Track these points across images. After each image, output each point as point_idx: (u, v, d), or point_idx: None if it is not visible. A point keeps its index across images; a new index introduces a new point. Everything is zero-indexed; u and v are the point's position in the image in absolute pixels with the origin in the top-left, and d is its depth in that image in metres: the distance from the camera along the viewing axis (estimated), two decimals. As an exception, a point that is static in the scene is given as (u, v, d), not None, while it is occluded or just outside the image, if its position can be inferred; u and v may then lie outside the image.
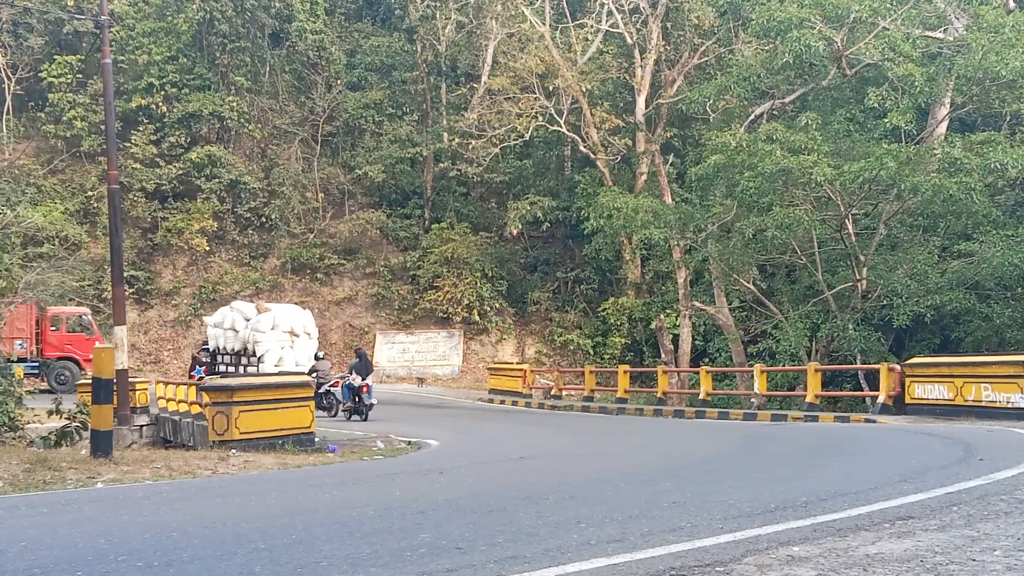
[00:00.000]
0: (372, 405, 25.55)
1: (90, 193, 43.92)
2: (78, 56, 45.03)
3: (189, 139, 45.60)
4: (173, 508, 9.85)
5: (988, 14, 29.08)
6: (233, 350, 29.09)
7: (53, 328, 37.05)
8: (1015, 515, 7.37)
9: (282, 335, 28.05)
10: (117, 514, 9.36)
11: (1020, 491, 8.58)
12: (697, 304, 34.02)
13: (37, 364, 36.27)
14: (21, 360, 35.12)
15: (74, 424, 16.57)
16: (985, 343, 26.67)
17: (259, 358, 27.86)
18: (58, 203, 42.45)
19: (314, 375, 25.13)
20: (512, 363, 38.75)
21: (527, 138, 41.99)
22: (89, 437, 15.09)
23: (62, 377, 36.19)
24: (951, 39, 29.18)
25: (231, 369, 28.62)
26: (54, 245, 38.49)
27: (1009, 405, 18.57)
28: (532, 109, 41.43)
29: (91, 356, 32.80)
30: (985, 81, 28.17)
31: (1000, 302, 26.48)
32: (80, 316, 37.35)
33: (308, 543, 7.02)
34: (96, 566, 6.33)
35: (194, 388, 21.51)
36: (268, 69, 47.97)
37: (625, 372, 30.82)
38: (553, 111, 41.07)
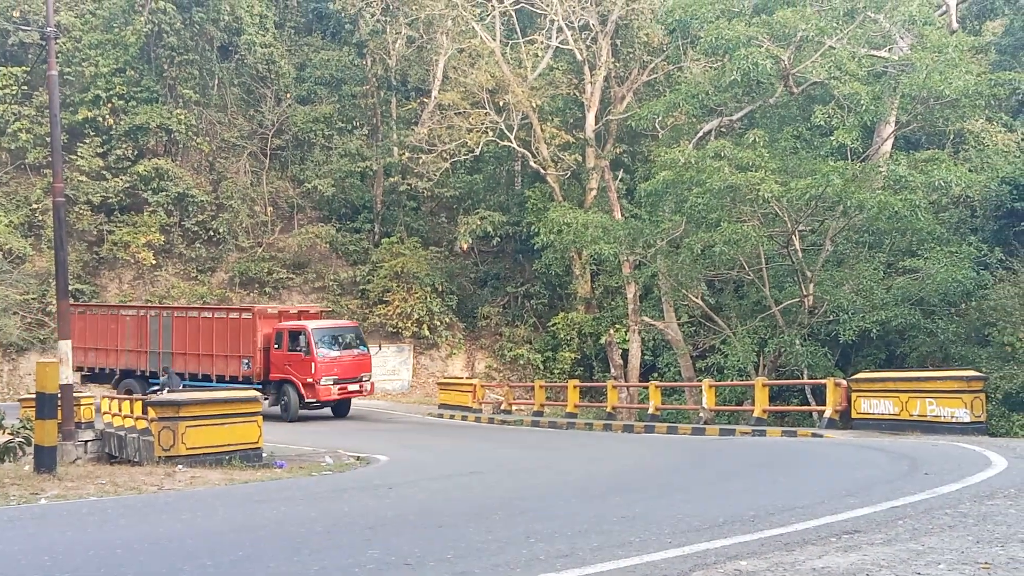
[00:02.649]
0: None
1: (35, 206, 43.33)
2: (23, 67, 44.40)
3: (136, 152, 45.09)
4: (118, 525, 9.74)
5: (932, 34, 29.53)
6: None
7: (276, 346, 31.64)
8: (959, 529, 7.47)
9: None
10: (61, 531, 9.23)
11: (964, 505, 8.70)
12: (646, 319, 34.15)
13: (261, 386, 30.25)
14: (246, 380, 30.77)
15: (17, 439, 16.26)
16: (930, 358, 27.00)
17: None
18: (2, 216, 41.85)
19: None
20: (462, 378, 38.71)
21: (477, 153, 41.96)
22: (33, 453, 14.88)
23: (282, 401, 31.22)
24: (896, 58, 29.56)
25: None
26: (-2, 258, 37.88)
27: (953, 420, 18.86)
28: (482, 124, 41.41)
29: (308, 380, 30.87)
30: (929, 100, 28.63)
31: (944, 318, 26.85)
32: (300, 332, 31.35)
33: (255, 559, 6.97)
34: (39, 584, 6.24)
35: (140, 403, 21.29)
36: (217, 82, 47.61)
37: (575, 387, 30.91)
38: (503, 126, 41.10)
